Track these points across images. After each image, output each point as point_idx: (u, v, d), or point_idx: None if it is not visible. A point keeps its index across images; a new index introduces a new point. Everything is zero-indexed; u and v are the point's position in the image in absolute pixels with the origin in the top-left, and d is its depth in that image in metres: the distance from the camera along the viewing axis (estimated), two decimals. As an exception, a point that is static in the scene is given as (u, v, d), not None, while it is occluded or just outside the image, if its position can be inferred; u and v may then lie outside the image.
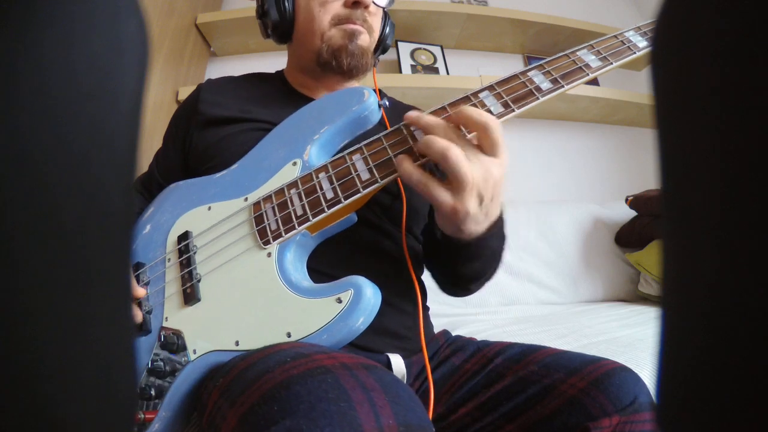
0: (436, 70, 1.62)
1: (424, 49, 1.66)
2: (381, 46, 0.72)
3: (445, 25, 1.63)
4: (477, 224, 0.47)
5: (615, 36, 0.53)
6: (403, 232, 0.59)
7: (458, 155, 0.42)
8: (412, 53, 1.63)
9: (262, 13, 0.69)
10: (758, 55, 0.12)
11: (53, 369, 0.15)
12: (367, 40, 0.66)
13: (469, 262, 0.54)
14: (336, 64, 0.64)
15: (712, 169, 0.14)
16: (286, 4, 0.66)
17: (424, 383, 0.58)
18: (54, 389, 0.15)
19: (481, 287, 0.64)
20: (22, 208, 0.14)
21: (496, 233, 0.51)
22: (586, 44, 0.53)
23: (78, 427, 0.16)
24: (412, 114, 0.48)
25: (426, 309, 0.66)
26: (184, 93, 1.35)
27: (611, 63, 0.51)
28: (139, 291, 0.53)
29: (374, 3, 0.66)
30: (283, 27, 0.68)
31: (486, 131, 0.44)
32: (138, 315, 0.51)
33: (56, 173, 0.14)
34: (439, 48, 1.69)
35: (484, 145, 0.44)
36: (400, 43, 1.62)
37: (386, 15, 0.72)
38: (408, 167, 0.45)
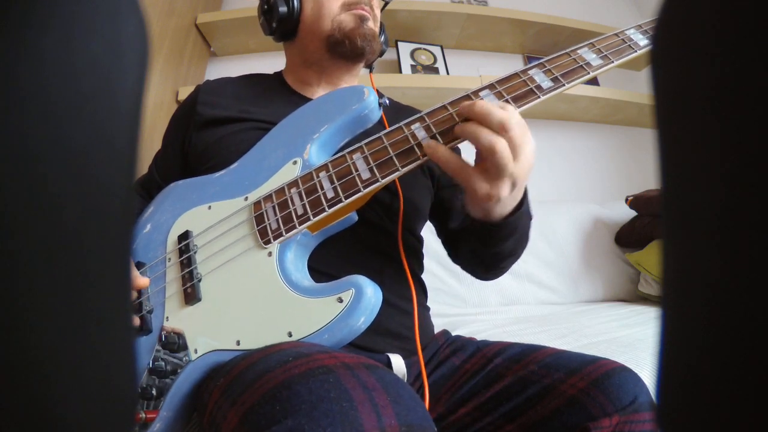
0: (436, 70, 1.62)
1: (424, 49, 1.66)
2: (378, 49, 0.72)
3: (445, 25, 1.63)
4: (504, 207, 0.49)
5: (616, 34, 0.53)
6: (399, 231, 0.59)
7: (505, 149, 0.43)
8: (412, 53, 1.63)
9: (266, 9, 0.70)
10: (758, 54, 0.12)
11: (53, 369, 0.15)
12: (374, 26, 0.67)
13: (502, 242, 0.56)
14: (349, 44, 0.65)
15: (712, 169, 0.14)
16: (289, 4, 0.67)
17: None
18: (54, 389, 0.15)
19: (512, 264, 0.66)
20: (22, 208, 0.14)
21: (522, 212, 0.53)
22: (587, 42, 0.53)
23: (78, 427, 0.16)
24: (467, 104, 0.48)
25: (426, 309, 0.66)
26: (184, 93, 1.34)
27: (612, 61, 0.51)
28: (143, 281, 0.53)
29: None
30: (290, 20, 0.68)
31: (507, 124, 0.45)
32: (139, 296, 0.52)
33: (56, 173, 0.14)
34: (439, 48, 1.68)
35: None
36: (400, 43, 1.62)
37: (381, 24, 0.73)
38: (446, 153, 0.46)
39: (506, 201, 0.48)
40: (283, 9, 0.67)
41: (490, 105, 0.46)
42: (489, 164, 0.44)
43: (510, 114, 0.45)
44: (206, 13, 1.50)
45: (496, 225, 0.52)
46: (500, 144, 0.43)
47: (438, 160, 0.47)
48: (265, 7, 0.70)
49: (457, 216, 0.71)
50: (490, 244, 0.57)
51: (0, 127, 0.13)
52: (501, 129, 0.44)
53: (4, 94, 0.13)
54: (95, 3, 0.15)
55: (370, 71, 0.76)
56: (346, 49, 0.66)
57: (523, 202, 0.52)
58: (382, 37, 0.73)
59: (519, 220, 0.53)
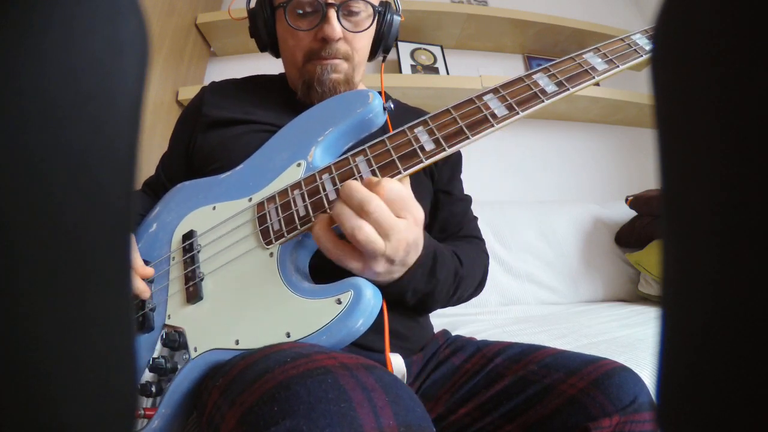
0: (436, 70, 1.62)
1: (424, 49, 1.66)
2: (382, 45, 0.70)
3: (445, 25, 1.63)
4: (391, 274, 0.47)
5: (621, 39, 0.53)
6: None
7: (368, 234, 0.41)
8: (412, 53, 1.63)
9: (251, 34, 0.70)
10: (758, 55, 0.12)
11: (53, 369, 0.15)
12: (344, 68, 0.64)
13: (395, 302, 0.52)
14: (309, 102, 0.64)
15: (713, 169, 0.14)
16: (267, 34, 0.67)
17: (424, 383, 0.58)
18: (54, 389, 0.15)
19: (452, 306, 0.64)
20: (22, 208, 0.14)
21: (416, 275, 0.49)
22: (592, 47, 0.52)
23: (78, 427, 0.16)
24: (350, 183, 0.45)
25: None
26: (184, 93, 1.35)
27: (617, 66, 0.50)
28: (147, 270, 0.53)
29: (347, 30, 0.62)
30: (272, 50, 0.70)
31: (383, 193, 0.42)
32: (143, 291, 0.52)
33: (56, 174, 0.14)
34: (439, 48, 1.69)
35: (391, 208, 0.43)
36: (400, 43, 1.62)
37: (385, 11, 0.68)
38: (318, 231, 0.44)
39: (388, 273, 0.46)
40: (260, 44, 0.69)
41: (355, 185, 0.42)
42: (360, 249, 0.42)
43: (381, 191, 0.42)
44: (206, 13, 1.50)
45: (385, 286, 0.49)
46: (364, 230, 0.41)
47: (314, 236, 0.45)
48: (251, 32, 0.70)
49: (437, 226, 0.69)
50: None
51: (0, 128, 0.13)
52: (362, 212, 0.41)
53: (3, 94, 0.13)
54: (95, 3, 0.15)
55: (383, 61, 0.74)
56: (314, 96, 0.64)
57: (416, 269, 0.48)
58: (384, 28, 0.68)
59: (406, 286, 0.49)
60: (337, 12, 0.60)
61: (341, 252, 0.44)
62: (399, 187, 0.44)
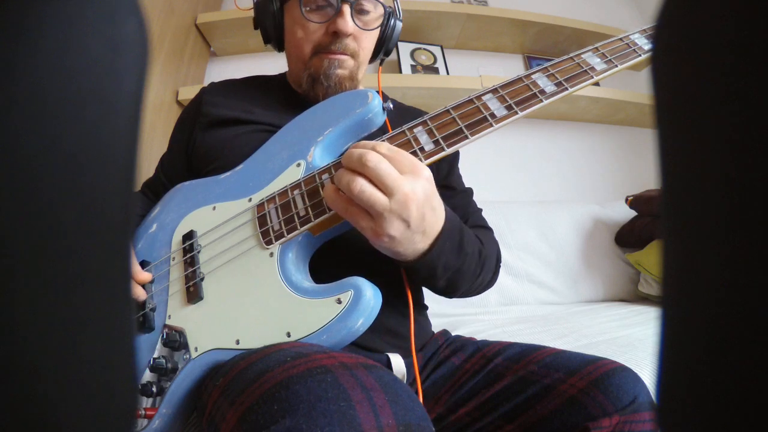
0: (436, 70, 1.62)
1: (424, 49, 1.66)
2: (383, 49, 0.71)
3: (445, 25, 1.63)
4: (414, 244, 0.45)
5: (620, 39, 0.53)
6: None
7: (362, 186, 0.41)
8: (412, 53, 1.63)
9: (255, 25, 0.70)
10: (759, 54, 0.12)
11: (52, 371, 0.15)
12: (350, 65, 0.64)
13: (426, 281, 0.51)
14: (313, 95, 0.64)
15: (713, 168, 0.14)
16: (274, 27, 0.67)
17: (424, 382, 0.58)
18: (53, 391, 0.15)
19: (475, 293, 0.63)
20: (18, 210, 0.14)
21: (444, 248, 0.48)
22: (591, 47, 0.52)
23: (78, 427, 0.16)
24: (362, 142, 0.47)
25: (424, 308, 0.66)
26: (184, 93, 1.35)
27: (616, 66, 0.50)
28: (145, 275, 0.53)
29: (358, 27, 0.63)
30: (276, 43, 0.70)
31: (382, 150, 0.43)
32: (140, 293, 0.52)
33: (53, 176, 0.14)
34: (439, 48, 1.69)
35: (395, 165, 0.43)
36: (400, 43, 1.62)
37: (389, 15, 0.69)
38: (329, 192, 0.45)
39: (411, 238, 0.44)
40: (266, 36, 0.69)
41: (353, 150, 0.43)
42: (362, 206, 0.42)
43: (376, 149, 0.42)
44: (206, 13, 1.50)
45: (410, 266, 0.48)
46: (356, 183, 0.41)
47: (323, 196, 0.46)
48: (255, 24, 0.70)
49: None
50: (415, 282, 0.52)
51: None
52: (360, 166, 0.42)
53: (0, 95, 0.13)
54: (95, 2, 0.15)
55: (380, 64, 0.75)
56: (311, 98, 0.64)
57: (442, 237, 0.47)
58: (387, 32, 0.70)
59: (435, 258, 0.47)
60: (351, 8, 0.61)
61: (353, 210, 0.43)
62: (396, 148, 0.44)
